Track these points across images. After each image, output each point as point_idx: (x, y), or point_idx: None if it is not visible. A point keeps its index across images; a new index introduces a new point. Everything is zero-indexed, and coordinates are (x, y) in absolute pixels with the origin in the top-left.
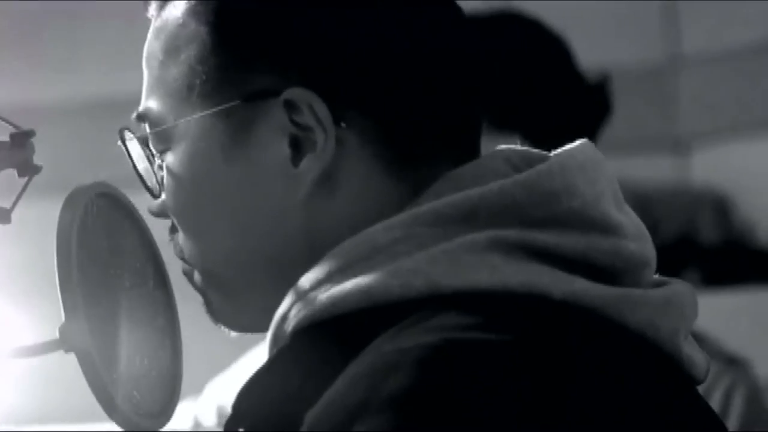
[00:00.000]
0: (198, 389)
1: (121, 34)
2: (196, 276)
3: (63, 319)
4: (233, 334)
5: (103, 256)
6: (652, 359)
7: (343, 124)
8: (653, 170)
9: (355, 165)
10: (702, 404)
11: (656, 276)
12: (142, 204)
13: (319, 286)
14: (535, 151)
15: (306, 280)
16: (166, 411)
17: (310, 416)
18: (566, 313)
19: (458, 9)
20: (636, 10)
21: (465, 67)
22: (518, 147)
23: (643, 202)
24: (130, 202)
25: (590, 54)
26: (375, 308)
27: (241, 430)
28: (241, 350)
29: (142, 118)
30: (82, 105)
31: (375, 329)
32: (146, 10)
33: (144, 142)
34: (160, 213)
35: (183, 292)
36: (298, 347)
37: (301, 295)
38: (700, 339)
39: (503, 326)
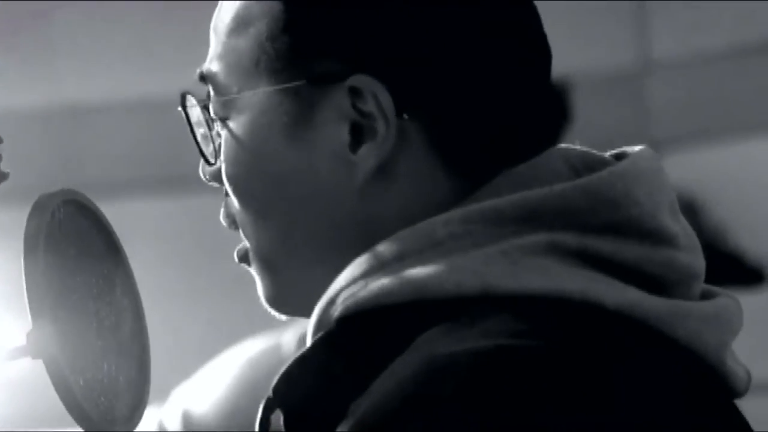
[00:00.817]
0: (164, 396)
1: (92, 39)
2: (250, 255)
3: (30, 325)
4: (283, 317)
5: (70, 263)
6: (697, 373)
7: (405, 116)
8: None
9: (412, 157)
10: (740, 421)
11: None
12: (110, 210)
13: (371, 274)
14: (595, 153)
15: (357, 266)
16: (133, 417)
17: (357, 414)
18: (618, 324)
19: (533, 8)
20: (607, 14)
21: (530, 67)
22: (577, 147)
23: None
24: (97, 208)
25: (561, 58)
26: (424, 302)
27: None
28: (207, 357)
29: (205, 79)
30: (50, 111)
31: (422, 324)
32: None
33: (205, 107)
34: (213, 179)
35: (151, 297)
36: (343, 334)
37: (351, 282)
38: None
39: (556, 334)
